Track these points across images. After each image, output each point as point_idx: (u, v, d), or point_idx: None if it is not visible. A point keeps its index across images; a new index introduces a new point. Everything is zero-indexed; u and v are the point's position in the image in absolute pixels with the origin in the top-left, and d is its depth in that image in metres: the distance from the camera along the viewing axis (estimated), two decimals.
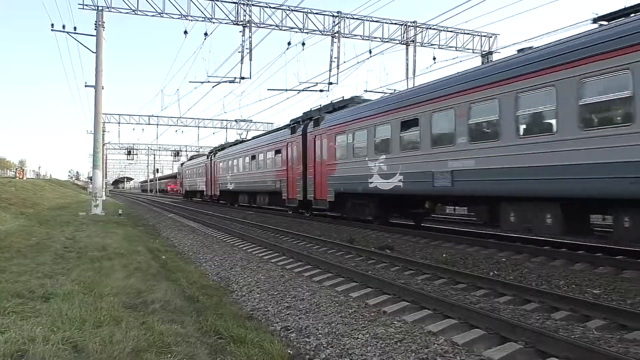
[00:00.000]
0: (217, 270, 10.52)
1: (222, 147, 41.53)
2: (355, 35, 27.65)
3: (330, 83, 27.58)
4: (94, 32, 24.99)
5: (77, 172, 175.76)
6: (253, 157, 29.43)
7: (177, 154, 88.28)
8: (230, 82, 27.94)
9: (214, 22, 25.28)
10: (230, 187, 34.71)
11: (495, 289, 7.46)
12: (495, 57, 27.64)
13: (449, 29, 29.30)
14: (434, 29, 28.92)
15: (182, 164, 61.99)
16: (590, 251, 10.66)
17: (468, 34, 29.85)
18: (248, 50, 25.78)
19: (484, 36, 30.15)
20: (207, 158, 43.91)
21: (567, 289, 7.68)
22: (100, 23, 24.59)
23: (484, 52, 29.35)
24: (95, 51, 24.99)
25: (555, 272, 8.72)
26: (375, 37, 28.06)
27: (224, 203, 38.92)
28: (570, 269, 9.08)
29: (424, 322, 5.90)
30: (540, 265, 9.51)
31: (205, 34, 25.97)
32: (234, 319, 6.37)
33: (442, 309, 6.19)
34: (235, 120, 52.87)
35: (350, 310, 6.52)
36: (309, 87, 28.76)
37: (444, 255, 10.97)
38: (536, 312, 6.28)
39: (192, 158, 57.37)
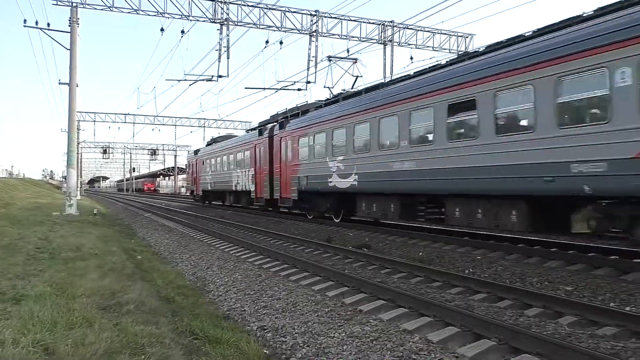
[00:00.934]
0: (194, 270, 10.45)
1: (302, 110, 21.38)
2: (333, 35, 27.66)
3: (308, 82, 27.56)
4: (68, 29, 24.56)
5: (52, 171, 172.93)
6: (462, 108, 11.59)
7: (153, 152, 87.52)
8: (208, 80, 27.77)
9: (191, 20, 25.08)
10: (344, 183, 16.40)
11: (470, 287, 7.53)
12: None
13: (426, 29, 29.52)
14: (411, 28, 29.12)
15: (195, 152, 41.30)
16: (564, 249, 10.83)
17: (445, 34, 30.11)
18: (225, 49, 25.62)
19: (460, 36, 30.46)
20: (262, 135, 24.86)
21: (540, 286, 7.81)
22: (74, 19, 24.16)
23: (460, 52, 29.64)
24: (69, 48, 24.56)
25: (529, 270, 8.86)
26: (353, 37, 28.12)
27: (301, 213, 21.72)
28: (544, 266, 9.22)
29: (400, 320, 5.93)
30: (514, 263, 9.64)
31: (182, 32, 25.79)
32: (210, 319, 6.34)
33: (417, 307, 6.23)
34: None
35: (326, 309, 6.53)
36: (287, 86, 28.70)
37: (420, 253, 11.06)
38: (510, 309, 6.37)
39: (214, 141, 37.10)
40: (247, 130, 30.46)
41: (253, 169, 25.57)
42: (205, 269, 10.43)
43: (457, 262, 10.00)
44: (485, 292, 7.20)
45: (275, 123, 24.04)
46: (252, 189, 25.60)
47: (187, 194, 53.20)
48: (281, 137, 22.14)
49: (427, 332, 5.43)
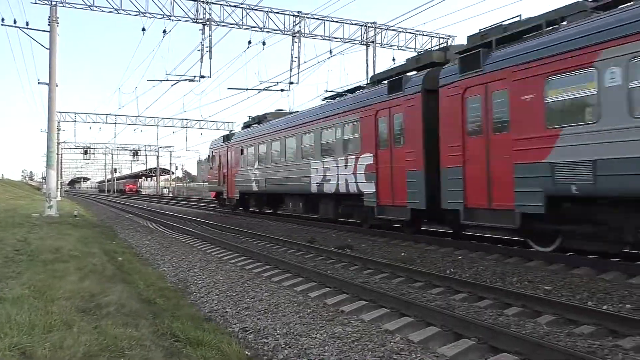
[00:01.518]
0: (175, 272, 10.38)
1: (549, 20, 9.57)
2: (315, 35, 27.72)
3: (291, 82, 27.60)
4: (48, 28, 24.24)
5: (31, 172, 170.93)
6: None
7: (135, 153, 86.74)
8: (190, 80, 27.65)
9: (172, 20, 24.95)
10: None
11: (451, 287, 7.59)
12: None
13: (408, 30, 29.73)
14: (393, 30, 29.30)
15: (225, 137, 28.34)
16: None
17: (427, 35, 30.31)
18: (208, 49, 25.53)
19: (442, 38, 30.67)
20: (400, 90, 13.08)
21: (520, 285, 7.89)
22: (54, 18, 23.87)
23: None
24: (48, 47, 24.25)
25: (509, 269, 8.95)
26: (335, 38, 28.21)
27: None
28: (524, 266, 9.32)
29: (381, 320, 5.96)
30: (495, 263, 9.72)
31: (164, 32, 25.60)
32: (191, 321, 6.31)
33: (399, 308, 6.27)
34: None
35: (308, 310, 6.54)
36: (269, 87, 28.68)
37: (402, 254, 11.11)
38: (490, 309, 6.43)
39: (261, 119, 24.61)
40: (334, 97, 18.25)
41: (371, 154, 14.40)
42: (187, 270, 10.37)
43: (438, 262, 10.07)
44: (466, 292, 7.26)
45: (427, 69, 12.93)
46: (367, 190, 14.59)
47: (171, 195, 50.87)
48: (467, 88, 10.98)
49: (408, 332, 5.46)
